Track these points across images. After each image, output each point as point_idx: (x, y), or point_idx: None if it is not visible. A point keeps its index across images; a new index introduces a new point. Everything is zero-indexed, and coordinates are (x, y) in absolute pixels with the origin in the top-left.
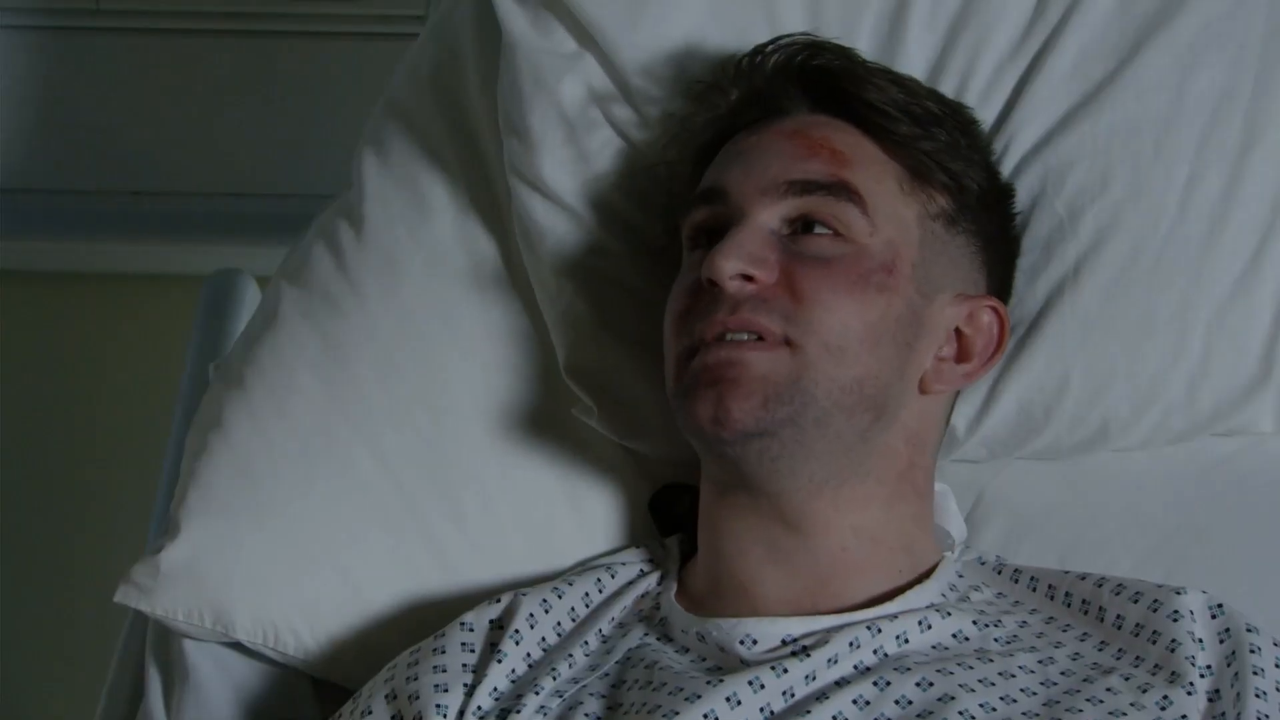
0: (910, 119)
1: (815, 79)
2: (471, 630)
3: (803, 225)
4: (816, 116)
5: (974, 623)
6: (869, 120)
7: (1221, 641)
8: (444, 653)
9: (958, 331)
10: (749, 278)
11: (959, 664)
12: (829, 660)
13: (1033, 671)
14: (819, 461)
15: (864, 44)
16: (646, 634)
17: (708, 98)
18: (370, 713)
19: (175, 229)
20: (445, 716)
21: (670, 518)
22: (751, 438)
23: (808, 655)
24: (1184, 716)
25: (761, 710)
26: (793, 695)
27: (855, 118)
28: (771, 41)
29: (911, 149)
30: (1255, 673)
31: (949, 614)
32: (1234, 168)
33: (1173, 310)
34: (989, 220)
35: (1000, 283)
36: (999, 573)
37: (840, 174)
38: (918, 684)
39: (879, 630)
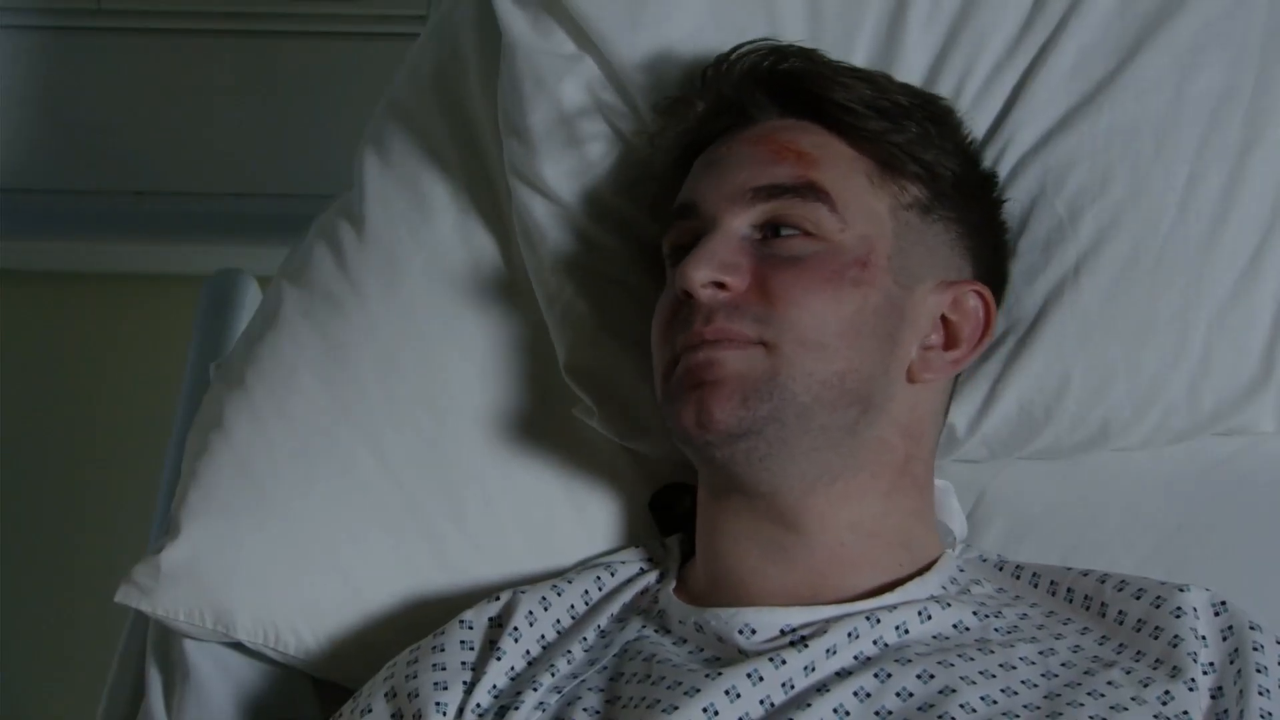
0: (878, 114)
1: (781, 83)
2: (471, 628)
3: (773, 229)
4: (784, 120)
5: (974, 614)
6: (837, 119)
7: (1224, 639)
8: (443, 651)
9: (944, 319)
10: (721, 285)
11: (960, 655)
12: (827, 651)
13: (1033, 663)
14: (807, 459)
15: (863, 45)
16: (644, 626)
17: (676, 110)
18: (370, 711)
19: (176, 229)
20: (445, 714)
21: (670, 517)
22: (736, 438)
23: (806, 646)
24: (1185, 712)
25: (762, 703)
26: (792, 687)
27: (823, 118)
28: (734, 50)
29: (881, 143)
30: (1259, 670)
31: (949, 605)
32: (1234, 167)
33: (1173, 310)
34: (968, 207)
35: (987, 269)
36: (1000, 569)
37: (807, 175)
38: (918, 676)
39: (878, 621)
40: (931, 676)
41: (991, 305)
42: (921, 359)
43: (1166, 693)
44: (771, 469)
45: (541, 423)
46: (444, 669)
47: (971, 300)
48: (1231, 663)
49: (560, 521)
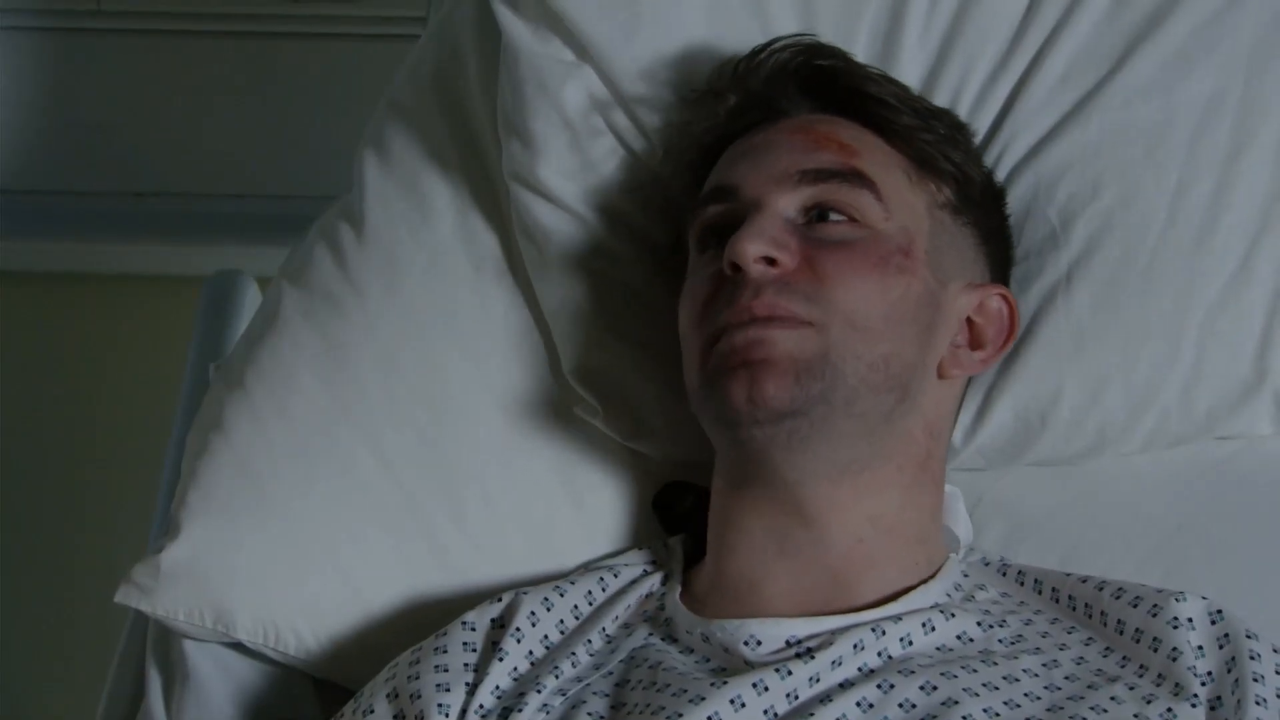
0: (911, 111)
1: (815, 79)
2: (473, 629)
3: (818, 214)
4: (818, 115)
5: (978, 624)
6: (872, 113)
7: (1221, 647)
8: (446, 652)
9: (969, 321)
10: (771, 261)
11: (963, 667)
12: (833, 662)
13: (1037, 675)
14: (844, 443)
15: (858, 57)
16: (651, 634)
17: (705, 104)
18: (372, 711)
19: (176, 230)
20: (447, 715)
21: (674, 517)
22: (784, 417)
23: (812, 657)
24: None
25: (765, 712)
26: (796, 697)
27: (857, 113)
28: (765, 45)
29: (914, 139)
30: (1255, 679)
31: (953, 615)
32: (1223, 172)
33: (1165, 316)
34: (989, 214)
35: (1004, 276)
36: (1003, 574)
37: (851, 163)
38: (921, 687)
39: (883, 632)
40: (934, 688)
41: (1015, 308)
42: (951, 355)
43: (1169, 710)
44: (807, 453)
45: (542, 423)
46: (446, 670)
47: (995, 302)
48: (1229, 671)
49: (561, 522)
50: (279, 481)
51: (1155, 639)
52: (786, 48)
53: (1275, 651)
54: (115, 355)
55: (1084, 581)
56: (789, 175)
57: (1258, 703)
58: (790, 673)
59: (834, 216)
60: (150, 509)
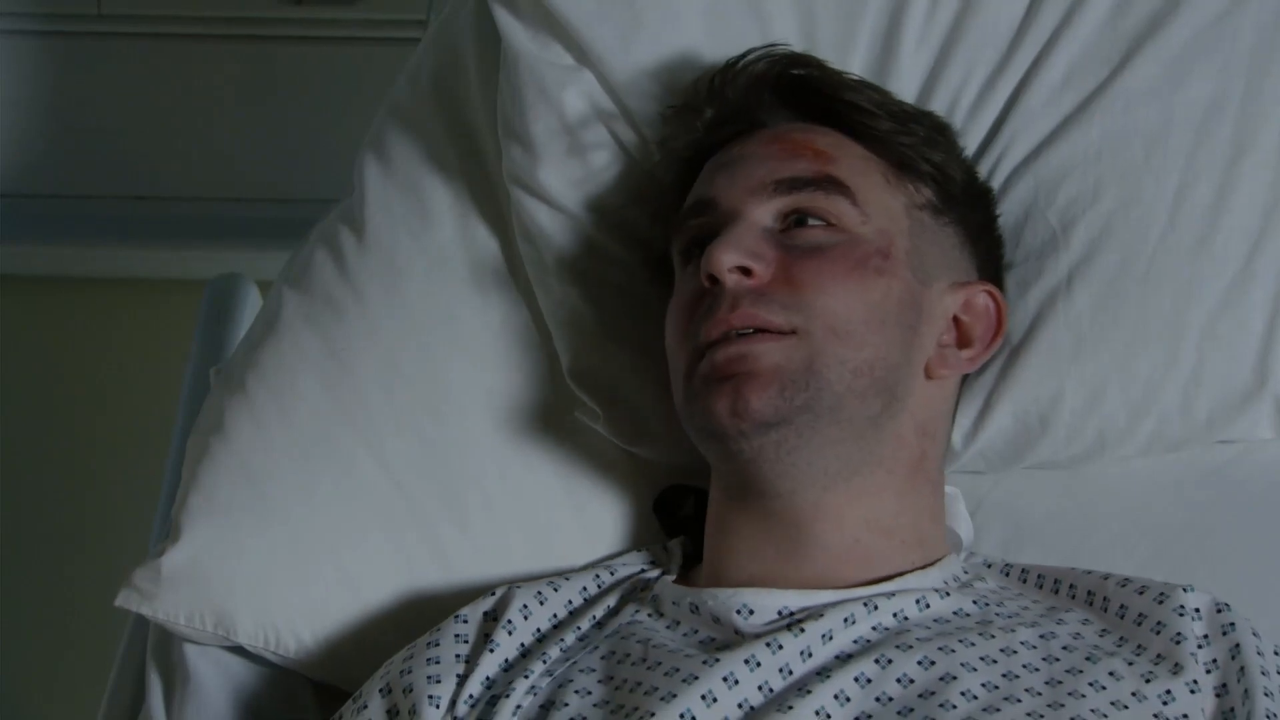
0: (889, 115)
1: (790, 88)
2: (465, 622)
3: (796, 220)
4: (795, 123)
5: (974, 602)
6: (849, 120)
7: (1224, 634)
8: (438, 645)
9: (956, 320)
10: (747, 272)
11: (960, 640)
12: (823, 636)
13: (1034, 647)
14: (832, 450)
15: (858, 61)
16: (638, 611)
17: (683, 118)
18: (366, 707)
19: (178, 234)
20: (438, 706)
21: (675, 520)
22: (770, 428)
23: (802, 630)
24: (1185, 716)
25: (760, 688)
26: (790, 672)
27: (834, 120)
28: (739, 57)
29: (892, 143)
30: (1263, 673)
31: (948, 595)
32: (1224, 176)
33: (1165, 319)
34: (974, 214)
35: (993, 274)
36: (1006, 574)
37: (826, 170)
38: (919, 662)
39: (875, 607)
40: (932, 663)
41: (1003, 304)
42: (939, 355)
43: (1168, 691)
44: (797, 463)
45: (543, 427)
46: (438, 662)
47: (982, 299)
48: (1233, 659)
49: (562, 525)
50: (280, 485)
51: (1159, 623)
52: (761, 59)
53: (1277, 653)
54: (116, 359)
55: (1088, 573)
56: (765, 185)
57: (1266, 694)
58: (781, 646)
59: (812, 221)
60: (151, 512)
